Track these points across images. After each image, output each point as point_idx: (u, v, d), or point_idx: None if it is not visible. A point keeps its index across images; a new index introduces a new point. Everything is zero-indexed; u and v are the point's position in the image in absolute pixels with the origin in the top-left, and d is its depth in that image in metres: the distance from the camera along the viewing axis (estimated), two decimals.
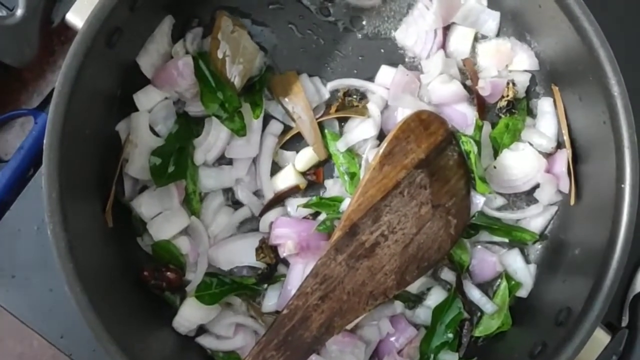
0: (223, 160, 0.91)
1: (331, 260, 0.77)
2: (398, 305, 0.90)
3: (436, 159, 0.83)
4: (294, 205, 0.90)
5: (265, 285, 0.90)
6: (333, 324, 0.77)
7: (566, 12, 0.79)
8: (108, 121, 0.88)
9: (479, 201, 0.88)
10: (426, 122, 0.83)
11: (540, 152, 0.90)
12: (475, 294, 0.90)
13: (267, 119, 0.91)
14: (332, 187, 0.91)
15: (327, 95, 0.91)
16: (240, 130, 0.88)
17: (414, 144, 0.82)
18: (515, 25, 0.91)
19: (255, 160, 0.91)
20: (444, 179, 0.84)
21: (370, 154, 0.88)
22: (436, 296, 0.90)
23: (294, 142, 0.92)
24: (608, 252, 0.76)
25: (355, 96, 0.91)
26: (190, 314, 0.88)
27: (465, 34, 0.92)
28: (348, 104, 0.91)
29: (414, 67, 0.92)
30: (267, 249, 0.88)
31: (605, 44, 0.78)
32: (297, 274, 0.88)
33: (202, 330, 0.90)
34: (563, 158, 0.88)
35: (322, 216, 0.89)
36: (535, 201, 0.91)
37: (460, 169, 0.86)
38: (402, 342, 0.90)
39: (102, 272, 0.83)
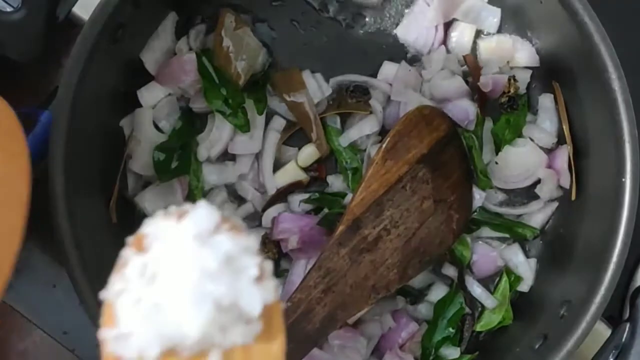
0: (226, 156, 0.91)
1: (334, 254, 0.78)
2: (400, 301, 0.90)
3: (438, 154, 0.84)
4: (297, 200, 0.90)
5: None
6: (336, 317, 0.77)
7: (567, 8, 0.80)
8: (112, 117, 0.88)
9: (480, 196, 0.89)
10: (428, 117, 0.84)
11: (541, 147, 0.91)
12: (476, 289, 0.90)
13: (270, 115, 0.92)
14: (335, 183, 0.91)
15: (329, 91, 0.91)
16: (243, 126, 0.89)
17: (416, 139, 0.82)
18: (516, 21, 0.92)
19: (258, 156, 0.91)
20: (446, 174, 0.85)
21: (373, 149, 0.89)
22: (438, 291, 0.90)
23: (296, 138, 0.92)
24: (609, 246, 0.77)
25: (357, 92, 0.91)
26: None
27: (466, 30, 0.92)
28: (350, 100, 0.91)
29: (416, 63, 0.93)
30: (269, 244, 0.89)
31: (605, 39, 0.78)
32: (300, 268, 0.88)
33: None
34: (564, 153, 0.88)
35: (325, 211, 0.90)
36: (536, 197, 0.91)
37: (462, 164, 0.87)
38: (404, 337, 0.90)
39: (106, 268, 0.83)
